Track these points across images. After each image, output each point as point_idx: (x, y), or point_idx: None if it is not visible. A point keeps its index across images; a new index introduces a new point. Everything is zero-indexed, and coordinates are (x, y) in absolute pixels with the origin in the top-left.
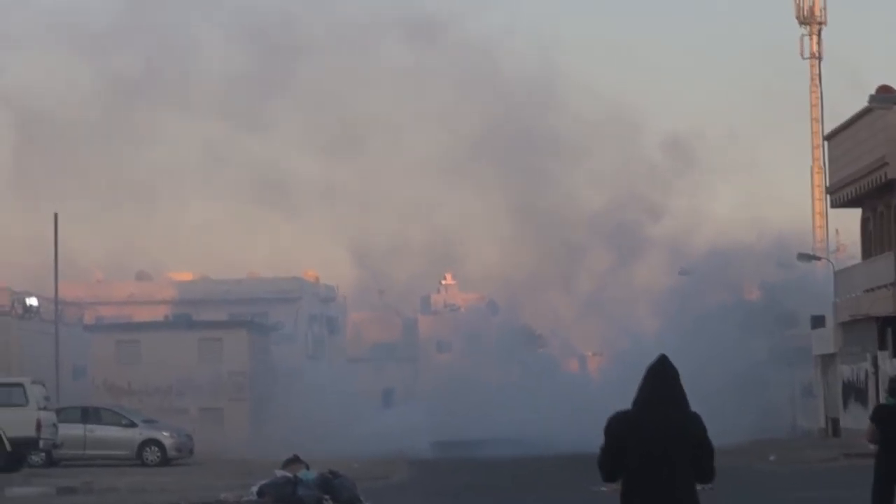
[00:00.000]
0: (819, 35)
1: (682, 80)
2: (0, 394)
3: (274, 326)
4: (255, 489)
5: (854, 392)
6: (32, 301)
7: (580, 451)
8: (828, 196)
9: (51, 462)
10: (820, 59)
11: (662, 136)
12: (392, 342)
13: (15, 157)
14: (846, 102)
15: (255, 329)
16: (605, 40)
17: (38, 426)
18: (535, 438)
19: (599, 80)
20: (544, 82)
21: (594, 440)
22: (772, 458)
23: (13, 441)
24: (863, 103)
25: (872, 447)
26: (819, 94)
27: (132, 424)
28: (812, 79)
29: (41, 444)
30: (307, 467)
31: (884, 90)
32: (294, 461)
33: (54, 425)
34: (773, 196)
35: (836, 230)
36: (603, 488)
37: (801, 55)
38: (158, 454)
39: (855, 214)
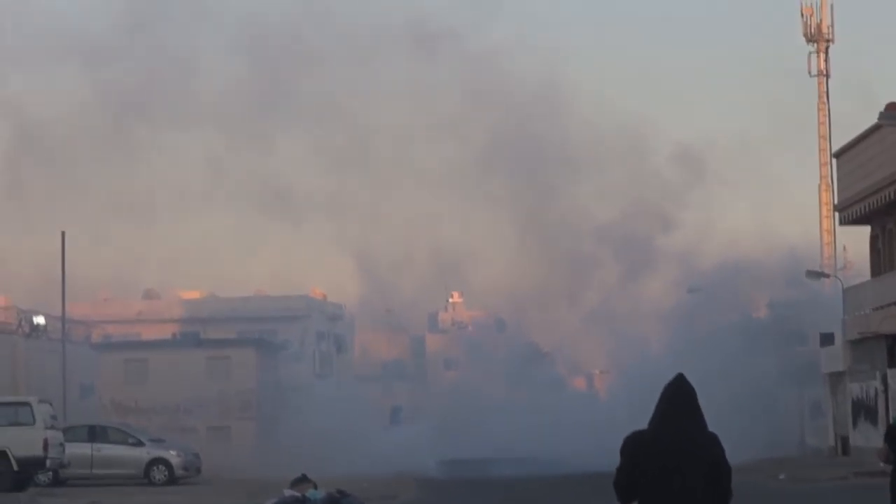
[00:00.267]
0: (827, 52)
1: (691, 96)
2: (7, 413)
3: (282, 345)
4: None
5: (863, 410)
6: (39, 319)
7: (590, 470)
8: (836, 213)
9: (58, 481)
10: (828, 76)
11: (671, 150)
12: (400, 360)
13: (19, 173)
14: (855, 119)
15: (263, 347)
16: (613, 54)
17: (45, 445)
18: (544, 457)
19: (607, 96)
20: (552, 94)
21: (604, 459)
22: (781, 476)
23: (20, 460)
24: (872, 120)
25: (882, 465)
26: (827, 112)
27: (139, 443)
28: (820, 96)
29: (48, 463)
30: (315, 486)
31: (893, 107)
32: (302, 480)
33: (61, 444)
34: (781, 212)
35: (844, 247)
36: None
37: (809, 73)
38: (166, 473)
39: (863, 232)
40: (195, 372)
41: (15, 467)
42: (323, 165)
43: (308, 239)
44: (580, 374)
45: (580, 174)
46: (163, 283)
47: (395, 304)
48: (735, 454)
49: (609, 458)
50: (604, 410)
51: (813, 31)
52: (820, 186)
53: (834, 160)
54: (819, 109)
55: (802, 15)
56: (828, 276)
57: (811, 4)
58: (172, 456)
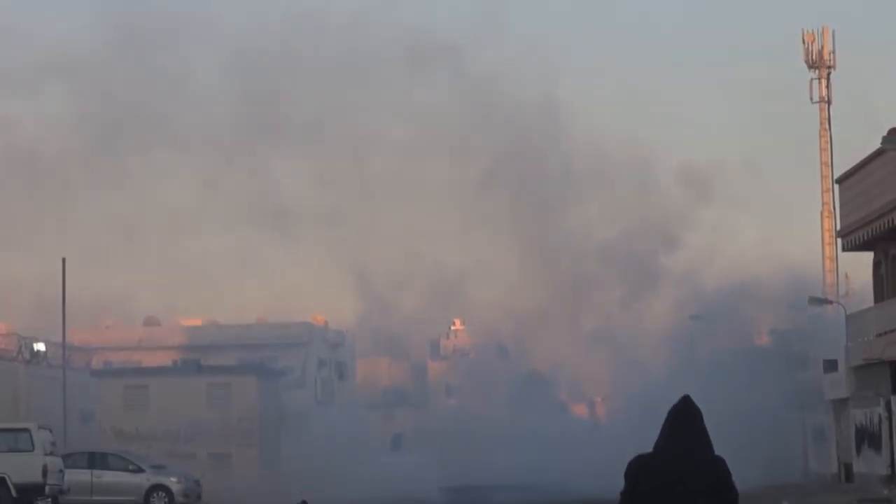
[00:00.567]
0: (828, 79)
1: (694, 117)
2: (6, 439)
3: (283, 371)
4: None
5: (867, 437)
6: (40, 346)
7: (592, 497)
8: (839, 239)
9: None
10: (829, 102)
11: (675, 171)
12: (401, 387)
13: (14, 198)
14: (858, 145)
15: (264, 374)
16: (615, 74)
17: (45, 472)
18: (546, 484)
19: (609, 116)
20: (554, 113)
21: (606, 485)
22: (785, 503)
23: (19, 487)
24: (875, 145)
25: (886, 492)
26: (829, 138)
27: (139, 470)
28: (821, 122)
29: (47, 489)
30: None
31: None
32: None
33: (61, 471)
34: (785, 236)
35: (846, 274)
36: None
37: (811, 99)
38: (166, 500)
39: (864, 258)
40: (196, 399)
41: (14, 494)
42: (321, 187)
43: (307, 262)
44: (582, 401)
45: (582, 194)
46: (163, 310)
47: (396, 331)
48: (738, 480)
49: (610, 485)
50: (605, 437)
51: (814, 57)
52: (822, 213)
53: (836, 186)
54: (821, 136)
55: (804, 41)
56: (831, 302)
57: (812, 31)
58: (173, 483)
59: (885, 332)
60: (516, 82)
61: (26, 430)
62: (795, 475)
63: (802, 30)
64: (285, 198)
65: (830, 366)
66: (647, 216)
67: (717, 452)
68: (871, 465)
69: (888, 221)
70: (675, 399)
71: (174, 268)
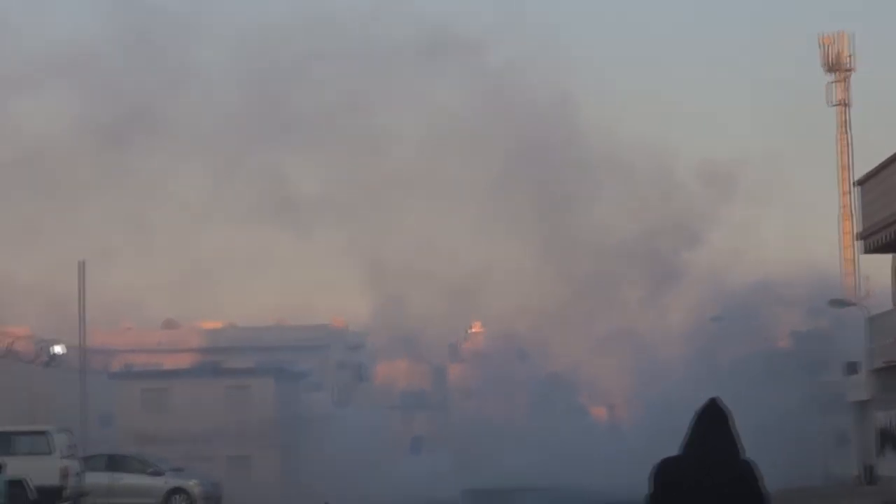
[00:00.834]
0: (847, 82)
1: (713, 116)
2: (25, 442)
3: (302, 374)
4: None
5: (889, 439)
6: (58, 349)
7: (612, 500)
8: (858, 241)
9: None
10: (848, 105)
11: (694, 172)
12: (420, 389)
13: (28, 199)
14: (878, 147)
15: (283, 377)
16: (635, 71)
17: (64, 474)
18: (565, 488)
19: (628, 113)
20: (573, 109)
21: (626, 489)
22: None
23: (38, 490)
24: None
25: None
26: (847, 141)
27: (159, 473)
28: (840, 125)
29: (66, 492)
30: None
31: None
32: None
33: (80, 473)
34: (804, 237)
35: (867, 277)
36: None
37: (828, 102)
38: (186, 503)
39: (882, 260)
40: (215, 401)
41: (32, 496)
42: (335, 183)
43: (323, 261)
44: (601, 404)
45: (602, 192)
46: (182, 313)
47: (414, 333)
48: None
49: (630, 489)
50: (624, 440)
51: (832, 60)
52: (841, 215)
53: (857, 188)
54: (839, 138)
55: (821, 45)
56: (853, 304)
57: (831, 35)
58: (192, 485)
59: None
60: (534, 77)
61: (45, 432)
62: (816, 478)
63: (819, 34)
64: (299, 194)
65: (851, 368)
66: (668, 214)
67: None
68: (892, 467)
69: None
70: (694, 402)
71: (189, 267)
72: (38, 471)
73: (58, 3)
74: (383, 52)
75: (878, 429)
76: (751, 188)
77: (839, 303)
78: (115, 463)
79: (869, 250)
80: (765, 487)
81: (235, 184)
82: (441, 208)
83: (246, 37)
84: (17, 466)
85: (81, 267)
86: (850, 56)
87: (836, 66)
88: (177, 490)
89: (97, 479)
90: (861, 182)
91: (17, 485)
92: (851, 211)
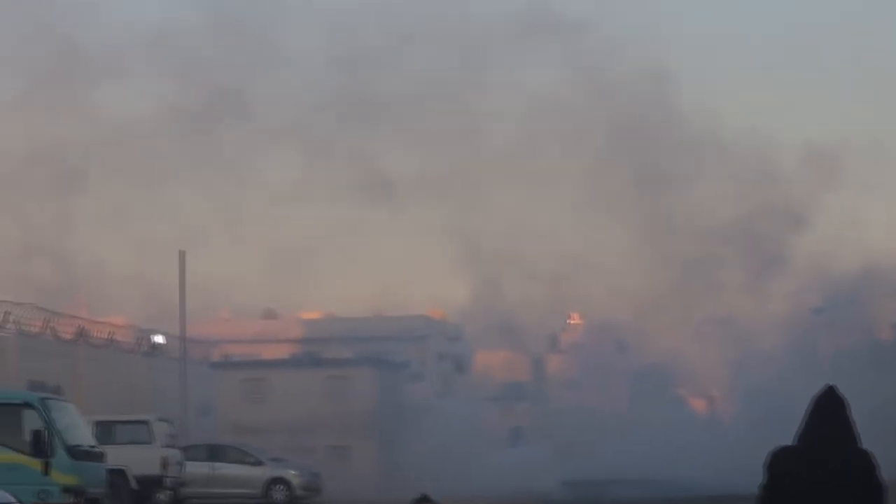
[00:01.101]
0: None
1: (817, 97)
2: (125, 431)
3: (402, 364)
4: None
5: None
6: (159, 338)
7: (713, 493)
8: None
9: (177, 500)
10: None
11: (800, 150)
12: (520, 381)
13: (127, 187)
14: None
15: (383, 367)
16: (734, 54)
17: (164, 464)
18: (665, 480)
19: (729, 91)
20: (672, 90)
21: (726, 481)
22: None
23: (138, 479)
24: None
25: None
26: None
27: (259, 463)
28: None
29: (167, 482)
30: None
31: None
32: (423, 500)
33: (180, 463)
34: None
35: None
36: None
37: None
38: (286, 493)
39: None
40: (315, 391)
41: (133, 486)
42: (429, 166)
43: (418, 247)
44: (700, 394)
45: (702, 174)
46: (279, 301)
47: (513, 324)
48: None
49: (728, 480)
50: (724, 433)
51: None
52: None
53: None
54: None
55: None
56: None
57: None
58: (292, 476)
59: None
60: (632, 58)
61: (146, 422)
62: None
63: None
64: (394, 178)
65: None
66: (771, 198)
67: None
68: None
69: None
70: (793, 393)
71: (284, 254)
72: (139, 460)
73: None
74: (478, 30)
75: None
76: (856, 173)
77: None
78: (215, 453)
79: None
80: (882, 477)
81: (328, 167)
82: (538, 191)
83: (338, 17)
84: (118, 456)
85: (182, 256)
86: None
87: None
88: (277, 480)
89: (197, 468)
90: None
91: (117, 474)
92: None
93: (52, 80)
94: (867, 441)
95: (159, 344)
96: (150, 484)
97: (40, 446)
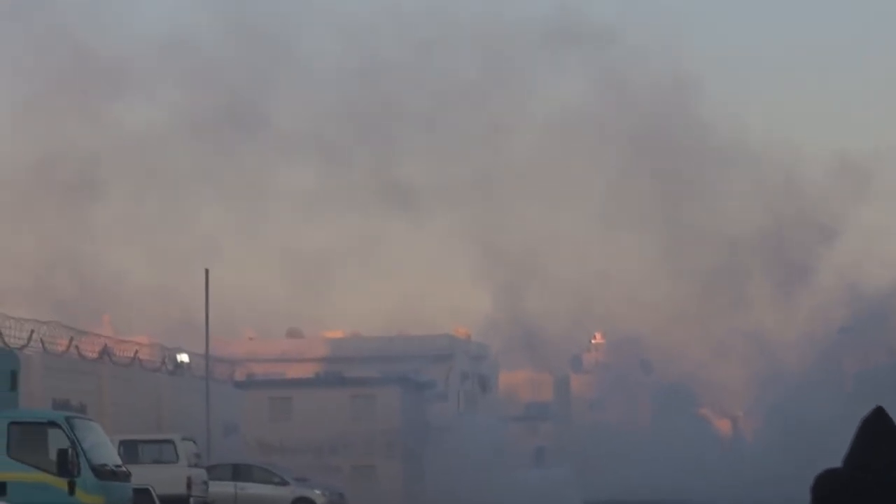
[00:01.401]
0: None
1: (845, 108)
2: (150, 450)
3: (427, 384)
4: None
5: None
6: (183, 357)
7: None
8: None
9: None
10: None
11: (824, 166)
12: (544, 401)
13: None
14: None
15: (408, 386)
16: (760, 62)
17: (189, 483)
18: (689, 501)
19: (754, 101)
20: (694, 100)
21: (754, 500)
22: None
23: (163, 498)
24: None
25: None
26: None
27: (284, 482)
28: None
29: (192, 501)
30: None
31: None
32: None
33: (205, 482)
34: None
35: None
36: None
37: None
38: None
39: None
40: (339, 411)
41: None
42: (450, 176)
43: (441, 260)
44: (725, 414)
45: (726, 186)
46: (305, 321)
47: (537, 343)
48: None
49: (753, 500)
50: (747, 451)
51: None
52: None
53: None
54: None
55: None
56: None
57: None
58: (317, 495)
59: None
60: (657, 66)
61: (171, 441)
62: None
63: None
64: (414, 188)
65: None
66: (798, 210)
67: None
68: None
69: None
70: (818, 415)
71: (306, 269)
72: (164, 479)
73: None
74: (501, 40)
75: None
76: (887, 185)
77: None
78: (240, 472)
79: None
80: None
81: (348, 177)
82: (561, 202)
83: (358, 24)
84: (143, 475)
85: (207, 275)
86: None
87: None
88: (302, 500)
89: (222, 488)
90: None
91: (142, 493)
92: None
93: (69, 89)
94: None
95: (184, 363)
96: (176, 503)
97: (66, 466)
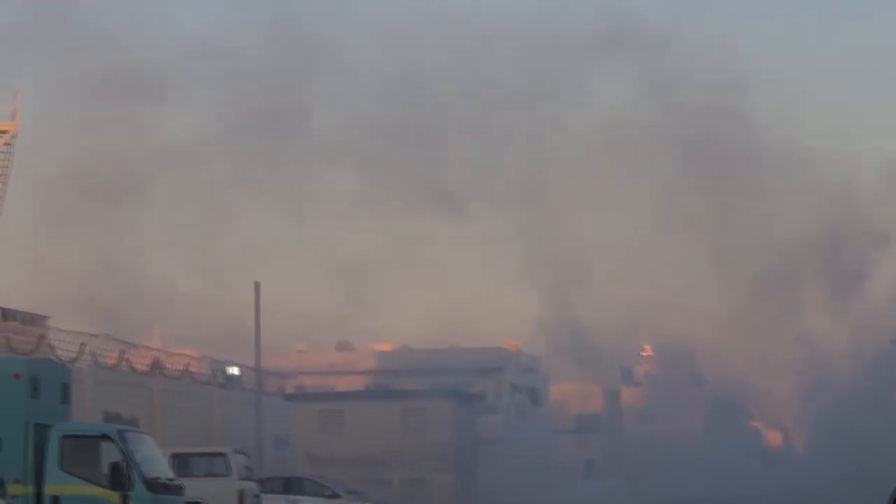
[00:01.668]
0: None
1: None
2: (202, 463)
3: (477, 396)
4: None
5: None
6: (234, 370)
7: None
8: None
9: None
10: None
11: (878, 172)
12: (594, 413)
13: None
14: None
15: (459, 399)
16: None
17: (241, 496)
18: None
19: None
20: (745, 105)
21: None
22: None
23: None
24: None
25: None
26: None
27: (335, 495)
28: None
29: None
30: None
31: None
32: None
33: (257, 495)
34: None
35: None
36: None
37: None
38: None
39: None
40: (390, 423)
41: None
42: (497, 182)
43: (500, 290)
44: (775, 426)
45: (778, 193)
46: (354, 333)
47: (587, 355)
48: None
49: None
50: (798, 463)
51: None
52: None
53: None
54: None
55: None
56: None
57: None
58: None
59: None
60: (707, 71)
61: (222, 454)
62: None
63: None
64: (460, 193)
65: None
66: (852, 215)
67: None
68: None
69: None
70: (868, 424)
71: (352, 277)
72: (216, 493)
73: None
74: (547, 44)
75: None
76: None
77: None
78: (291, 485)
79: None
80: None
81: (393, 184)
82: (609, 208)
83: (404, 27)
84: (195, 488)
85: (257, 288)
86: None
87: None
88: None
89: (274, 501)
90: None
91: None
92: None
93: (111, 96)
94: None
95: (234, 375)
96: None
97: (118, 479)
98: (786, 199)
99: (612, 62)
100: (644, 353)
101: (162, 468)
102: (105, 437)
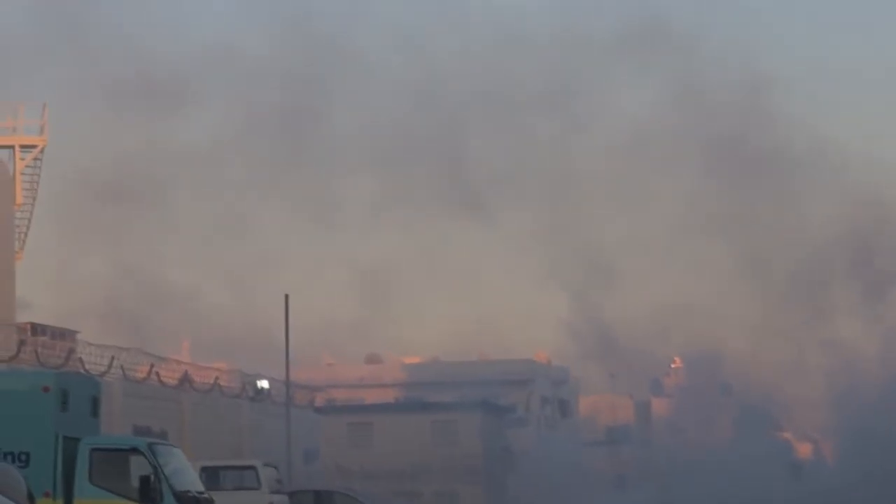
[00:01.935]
0: None
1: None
2: (232, 476)
3: (507, 408)
4: None
5: None
6: (263, 383)
7: None
8: None
9: None
10: None
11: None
12: (625, 425)
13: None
14: None
15: (489, 411)
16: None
17: None
18: None
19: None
20: (775, 106)
21: None
22: None
23: None
24: None
25: None
26: None
27: None
28: None
29: None
30: None
31: None
32: None
33: None
34: None
35: None
36: None
37: None
38: None
39: None
40: (420, 436)
41: None
42: (522, 185)
43: (529, 303)
44: (806, 437)
45: (808, 194)
46: (385, 348)
47: (617, 368)
48: None
49: None
50: (828, 474)
51: None
52: None
53: None
54: None
55: None
56: None
57: None
58: None
59: None
60: (735, 70)
61: (252, 467)
62: None
63: None
64: (481, 192)
65: None
66: (881, 218)
67: None
68: None
69: None
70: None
71: (378, 287)
72: None
73: (214, 5)
74: (574, 41)
75: None
76: None
77: None
78: (322, 498)
79: None
80: None
81: (415, 186)
82: (636, 211)
83: (429, 28)
84: (225, 501)
85: (286, 301)
86: None
87: None
88: None
89: None
90: None
91: None
92: None
93: (133, 102)
94: None
95: (264, 389)
96: None
97: (148, 492)
98: (815, 202)
99: (639, 63)
100: (674, 365)
101: (192, 481)
102: (135, 450)
